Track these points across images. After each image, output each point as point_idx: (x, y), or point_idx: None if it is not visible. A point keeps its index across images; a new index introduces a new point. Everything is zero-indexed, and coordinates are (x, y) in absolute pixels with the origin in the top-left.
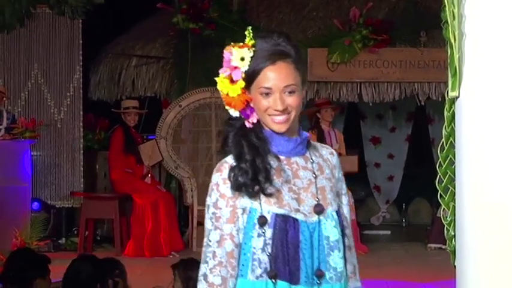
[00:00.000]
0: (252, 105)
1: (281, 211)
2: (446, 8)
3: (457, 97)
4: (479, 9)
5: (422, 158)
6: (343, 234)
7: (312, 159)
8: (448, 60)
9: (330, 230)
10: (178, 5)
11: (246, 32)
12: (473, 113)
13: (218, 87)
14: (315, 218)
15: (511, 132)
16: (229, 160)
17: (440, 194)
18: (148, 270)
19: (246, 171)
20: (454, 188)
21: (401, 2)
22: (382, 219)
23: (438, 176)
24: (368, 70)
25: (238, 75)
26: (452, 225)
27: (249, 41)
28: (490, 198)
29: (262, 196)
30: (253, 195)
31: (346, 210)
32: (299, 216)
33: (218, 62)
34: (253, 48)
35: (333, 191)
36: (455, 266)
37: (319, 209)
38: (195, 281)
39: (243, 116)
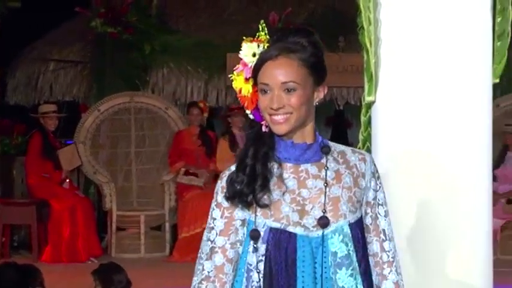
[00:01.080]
0: None
1: (276, 225)
2: (362, 14)
3: (373, 102)
4: (395, 15)
5: None
6: (362, 248)
7: (327, 166)
8: (365, 66)
9: (337, 244)
10: (96, 9)
11: (260, 26)
12: (388, 118)
13: (233, 85)
14: (320, 231)
15: (425, 136)
16: (233, 168)
17: None
18: (65, 276)
19: (242, 178)
20: None
21: (320, 7)
22: None
23: None
24: None
25: (249, 72)
26: None
27: (262, 35)
28: (405, 201)
29: (258, 207)
30: (247, 206)
31: (383, 223)
32: (298, 230)
33: (137, 66)
34: (267, 44)
35: (351, 202)
36: None
37: (323, 222)
38: (115, 285)
39: (254, 118)
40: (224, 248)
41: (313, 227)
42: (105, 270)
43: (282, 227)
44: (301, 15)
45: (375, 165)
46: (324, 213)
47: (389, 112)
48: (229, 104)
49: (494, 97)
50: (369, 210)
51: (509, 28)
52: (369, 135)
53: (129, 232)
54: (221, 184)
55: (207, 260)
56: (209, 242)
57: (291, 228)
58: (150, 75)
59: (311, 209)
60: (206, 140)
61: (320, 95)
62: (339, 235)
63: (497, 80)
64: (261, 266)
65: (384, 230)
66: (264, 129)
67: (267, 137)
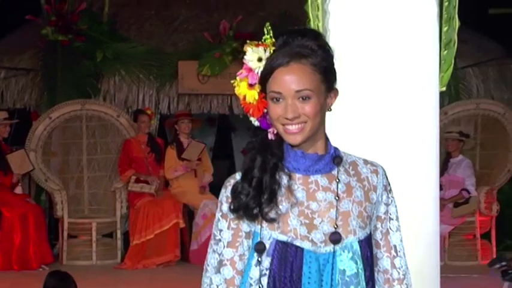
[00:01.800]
0: None
1: (283, 238)
2: (311, 22)
3: None
4: (343, 24)
5: None
6: (370, 267)
7: (338, 178)
8: None
9: (346, 262)
10: (47, 17)
11: (265, 29)
12: (335, 125)
13: (236, 91)
14: (329, 248)
15: (373, 143)
16: (237, 176)
17: None
18: (16, 284)
19: (248, 190)
20: None
21: (270, 15)
22: None
23: None
24: None
25: (254, 78)
26: None
27: (267, 39)
28: None
29: (265, 221)
30: (253, 219)
31: (394, 238)
32: (305, 245)
33: (88, 74)
34: (274, 48)
35: (362, 217)
36: None
37: (335, 238)
38: None
39: (261, 126)
40: (233, 260)
41: (322, 242)
42: (56, 278)
43: (289, 240)
44: (251, 23)
45: (387, 177)
46: (335, 228)
47: (336, 119)
48: (180, 111)
49: (443, 105)
50: (379, 225)
51: (456, 37)
52: None
53: (81, 239)
54: (225, 193)
55: (215, 273)
56: (216, 255)
57: (298, 242)
58: (101, 83)
59: (320, 223)
60: (155, 147)
61: (332, 101)
62: (348, 252)
63: (444, 88)
64: (264, 280)
65: (395, 246)
66: (270, 136)
67: (275, 146)
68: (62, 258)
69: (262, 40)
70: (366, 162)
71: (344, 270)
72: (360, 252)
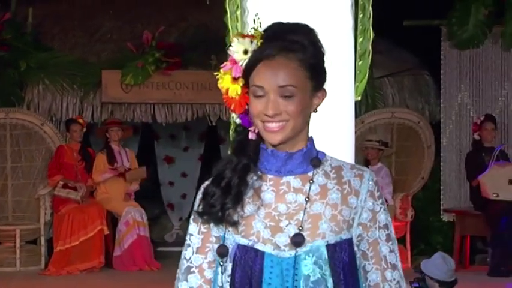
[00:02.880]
0: None
1: (244, 241)
2: (230, 33)
3: None
4: None
5: None
6: (345, 275)
7: (312, 179)
8: None
9: (310, 267)
10: None
11: (253, 20)
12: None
13: (219, 84)
14: (293, 251)
15: None
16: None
17: None
18: None
19: (214, 192)
20: None
21: (192, 26)
22: (175, 236)
23: None
24: (161, 92)
25: (238, 71)
26: None
27: (255, 30)
28: None
29: (227, 224)
30: (218, 222)
31: (384, 249)
32: (267, 249)
33: (12, 83)
34: (261, 40)
35: (335, 220)
36: None
37: (296, 240)
38: None
39: (242, 123)
40: (201, 267)
41: (285, 246)
42: None
43: (249, 244)
44: (173, 34)
45: (375, 183)
46: (300, 230)
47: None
48: (104, 120)
49: (360, 114)
50: (364, 234)
51: (370, 48)
52: None
53: (5, 246)
54: (198, 197)
55: (183, 280)
56: (185, 261)
57: (259, 246)
58: (25, 92)
59: (286, 225)
60: (86, 156)
61: (319, 101)
62: (313, 256)
63: (359, 98)
64: (227, 287)
65: (385, 257)
66: (250, 136)
67: (251, 145)
68: None
69: (250, 31)
70: (352, 167)
71: (308, 276)
72: (327, 257)
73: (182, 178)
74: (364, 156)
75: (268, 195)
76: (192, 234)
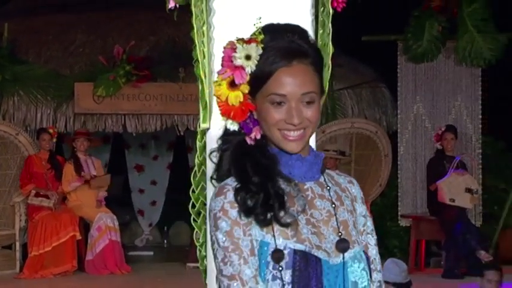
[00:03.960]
0: (255, 116)
1: (300, 247)
2: (197, 48)
3: (208, 128)
4: None
5: (182, 184)
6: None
7: (328, 185)
8: (200, 95)
9: (358, 273)
10: None
11: (254, 24)
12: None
13: (216, 92)
14: (340, 258)
15: None
16: (231, 182)
17: (193, 218)
18: None
19: (256, 193)
20: (206, 212)
21: (161, 41)
22: (145, 241)
23: (191, 201)
24: (131, 103)
25: (243, 78)
26: (204, 246)
27: (258, 35)
28: None
29: (276, 227)
30: (265, 224)
31: (374, 252)
32: (321, 255)
33: None
34: (262, 45)
35: (356, 227)
36: (206, 284)
37: (343, 246)
38: None
39: (243, 130)
40: (257, 272)
41: (332, 252)
42: None
43: (306, 249)
44: (143, 48)
45: (360, 189)
46: (340, 236)
47: (213, 135)
48: (77, 130)
49: (321, 124)
50: (367, 239)
51: (330, 62)
52: (204, 159)
53: None
54: (226, 200)
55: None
56: (243, 267)
57: (315, 252)
58: (1, 103)
59: (326, 232)
60: (55, 164)
61: (321, 106)
62: (359, 262)
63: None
64: None
65: (374, 260)
66: (249, 142)
67: (265, 150)
68: None
69: (252, 35)
70: (338, 174)
71: (356, 283)
72: (367, 264)
73: (152, 186)
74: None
75: (300, 201)
76: (239, 238)
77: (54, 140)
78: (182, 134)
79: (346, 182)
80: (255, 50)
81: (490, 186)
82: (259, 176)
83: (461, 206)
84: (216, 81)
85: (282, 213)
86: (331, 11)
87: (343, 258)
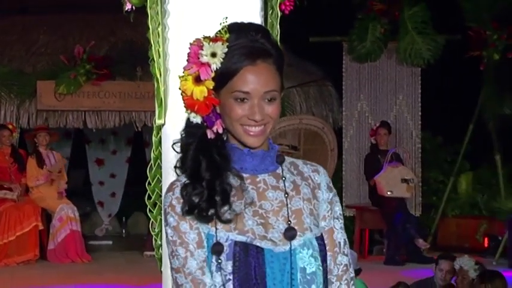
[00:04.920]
0: (218, 111)
1: (242, 238)
2: (153, 48)
3: (163, 124)
4: (181, 49)
5: (140, 177)
6: (325, 265)
7: (283, 176)
8: (155, 93)
9: (306, 260)
10: None
11: (221, 24)
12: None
13: (180, 86)
14: (288, 245)
15: None
16: (182, 178)
17: (149, 209)
18: None
19: (201, 191)
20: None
21: (119, 41)
22: (105, 231)
23: (147, 193)
24: (92, 100)
25: (208, 74)
26: (159, 235)
27: (223, 33)
28: None
29: (218, 221)
30: (207, 221)
31: (339, 236)
32: (264, 244)
33: None
34: (227, 43)
35: (313, 215)
36: (161, 272)
37: (290, 234)
38: None
39: (206, 124)
40: (206, 260)
41: (280, 240)
42: None
43: (248, 240)
44: (103, 47)
45: (328, 177)
46: (289, 224)
47: (177, 133)
48: (39, 126)
49: None
50: (323, 224)
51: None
52: (160, 153)
53: None
54: (174, 196)
55: (201, 278)
56: (189, 261)
57: (257, 242)
58: None
59: (275, 222)
60: (18, 158)
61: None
62: (308, 249)
63: None
64: (230, 286)
65: (339, 243)
66: (210, 135)
67: (219, 145)
68: None
69: (218, 34)
70: (305, 163)
71: (304, 268)
72: (318, 250)
73: (111, 178)
74: None
75: (250, 193)
76: (185, 232)
77: (15, 135)
78: (140, 129)
79: (310, 170)
80: (221, 48)
81: (428, 178)
82: (210, 173)
83: (399, 197)
84: (182, 76)
85: (225, 209)
86: (279, 13)
87: (291, 245)
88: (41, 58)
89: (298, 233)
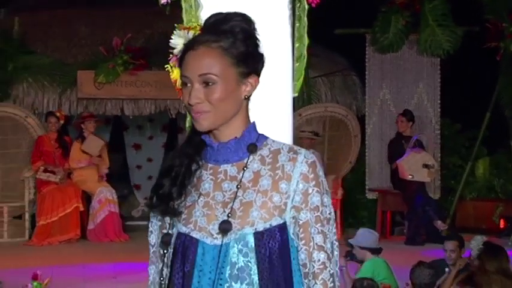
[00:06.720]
0: None
1: (183, 229)
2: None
3: None
4: None
5: None
6: (274, 261)
7: (246, 166)
8: None
9: (236, 255)
10: None
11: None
12: None
13: (171, 76)
14: (224, 239)
15: None
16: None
17: None
18: None
19: (163, 184)
20: None
21: (155, 33)
22: (141, 212)
23: None
24: (129, 89)
25: (177, 62)
26: None
27: (192, 22)
28: None
29: (171, 215)
30: (164, 214)
31: (313, 230)
32: (201, 236)
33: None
34: (199, 32)
35: (266, 208)
36: None
37: (223, 227)
38: None
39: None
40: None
41: (218, 233)
42: None
43: (187, 231)
44: (140, 39)
45: (310, 165)
46: (228, 217)
47: None
48: (80, 113)
49: (297, 108)
50: (297, 216)
51: (305, 52)
52: None
53: None
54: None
55: (151, 264)
56: (150, 246)
57: (194, 234)
58: (12, 89)
59: (221, 214)
60: (63, 144)
61: (250, 88)
62: (238, 244)
63: (297, 94)
64: (164, 274)
65: (313, 238)
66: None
67: (198, 135)
68: None
69: (187, 23)
70: (290, 150)
71: (235, 263)
72: (253, 245)
73: (148, 162)
74: (300, 145)
75: (207, 184)
76: (152, 222)
77: (61, 122)
78: (174, 117)
79: (287, 159)
80: (187, 37)
81: (447, 163)
82: (178, 163)
83: (420, 181)
84: (168, 66)
85: (177, 202)
86: (306, 6)
87: (223, 240)
88: (81, 49)
89: (236, 227)
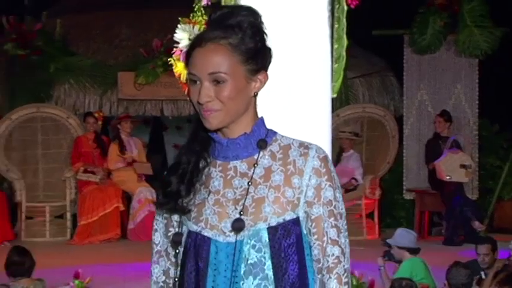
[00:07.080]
0: None
1: (195, 228)
2: None
3: None
4: None
5: None
6: (289, 256)
7: (257, 162)
8: None
9: (250, 251)
10: (8, 35)
11: (195, 6)
12: None
13: (174, 70)
14: (238, 236)
15: None
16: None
17: None
18: None
19: (170, 182)
20: None
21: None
22: None
23: None
24: (168, 90)
25: (182, 56)
26: None
27: (197, 16)
28: None
29: (180, 213)
30: (173, 212)
31: (326, 225)
32: (213, 235)
33: (43, 82)
34: (204, 26)
35: (279, 203)
36: None
37: (237, 226)
38: (17, 265)
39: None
40: (167, 251)
41: (230, 231)
42: (14, 251)
43: (198, 230)
44: None
45: (322, 160)
46: (241, 215)
47: None
48: (120, 114)
49: (335, 108)
50: (309, 211)
51: (344, 53)
52: None
53: (37, 220)
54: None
55: (155, 264)
56: (154, 245)
57: (206, 232)
58: (54, 90)
59: (232, 211)
60: (101, 144)
61: (259, 84)
62: (251, 240)
63: (335, 95)
64: (177, 273)
65: (326, 233)
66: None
67: (203, 131)
68: (21, 236)
69: (191, 18)
70: (301, 145)
71: (249, 259)
72: (267, 240)
73: None
74: (339, 145)
75: (217, 181)
76: (157, 219)
77: (100, 122)
78: None
79: (298, 154)
80: (191, 31)
81: (485, 163)
82: (187, 159)
83: (458, 181)
84: (171, 60)
85: (186, 200)
86: (345, 7)
87: (237, 237)
88: (122, 51)
89: (249, 224)
